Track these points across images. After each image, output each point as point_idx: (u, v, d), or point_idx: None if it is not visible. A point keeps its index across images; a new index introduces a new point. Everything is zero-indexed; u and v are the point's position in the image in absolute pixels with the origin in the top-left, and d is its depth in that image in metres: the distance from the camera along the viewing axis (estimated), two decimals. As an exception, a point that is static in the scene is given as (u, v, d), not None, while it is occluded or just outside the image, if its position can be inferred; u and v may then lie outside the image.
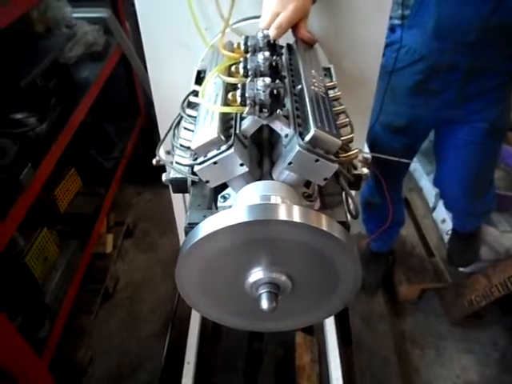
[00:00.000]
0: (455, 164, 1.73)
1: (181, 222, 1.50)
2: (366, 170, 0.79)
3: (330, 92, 0.84)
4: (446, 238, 2.33)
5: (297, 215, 0.56)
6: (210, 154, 0.64)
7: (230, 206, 0.68)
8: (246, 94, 0.62)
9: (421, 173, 2.77)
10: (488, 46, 1.35)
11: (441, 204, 2.44)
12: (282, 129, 0.66)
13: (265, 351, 1.81)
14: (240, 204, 0.65)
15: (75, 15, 2.08)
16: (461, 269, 2.23)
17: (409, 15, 1.39)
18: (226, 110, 0.66)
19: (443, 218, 2.44)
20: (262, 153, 0.77)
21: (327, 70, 0.98)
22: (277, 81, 0.64)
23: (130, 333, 2.05)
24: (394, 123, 1.62)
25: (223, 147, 0.63)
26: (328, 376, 1.69)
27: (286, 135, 0.66)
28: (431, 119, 1.61)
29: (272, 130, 0.68)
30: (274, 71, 0.67)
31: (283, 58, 0.88)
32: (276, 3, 0.84)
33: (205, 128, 0.65)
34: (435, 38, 1.37)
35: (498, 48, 1.37)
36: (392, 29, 1.46)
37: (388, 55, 1.46)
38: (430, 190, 2.64)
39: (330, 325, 1.82)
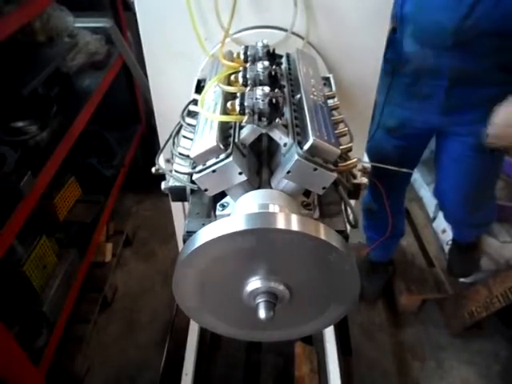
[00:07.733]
0: (454, 176, 1.73)
1: (180, 230, 1.50)
2: (365, 180, 0.79)
3: (330, 101, 0.84)
4: (447, 248, 2.32)
5: (295, 224, 0.55)
6: (208, 163, 0.64)
7: (229, 215, 0.68)
8: (245, 103, 0.62)
9: (421, 183, 2.77)
10: (467, 50, 1.36)
11: (441, 214, 2.43)
12: (280, 138, 0.66)
13: (263, 362, 1.79)
14: (238, 212, 0.64)
15: (77, 25, 2.10)
16: (461, 279, 2.22)
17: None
18: (225, 118, 0.66)
19: (443, 228, 2.43)
20: (260, 161, 0.77)
21: (326, 79, 0.98)
22: (276, 90, 0.64)
23: (128, 342, 2.03)
24: (386, 124, 1.65)
25: (222, 156, 0.63)
26: (327, 387, 1.67)
27: (285, 144, 0.66)
28: (420, 123, 1.61)
29: (271, 139, 0.68)
30: (273, 80, 0.67)
31: (282, 67, 0.89)
32: None
33: (204, 137, 0.65)
34: (416, 43, 1.40)
35: (480, 54, 1.37)
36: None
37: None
38: (430, 200, 2.64)
39: (329, 335, 1.80)
